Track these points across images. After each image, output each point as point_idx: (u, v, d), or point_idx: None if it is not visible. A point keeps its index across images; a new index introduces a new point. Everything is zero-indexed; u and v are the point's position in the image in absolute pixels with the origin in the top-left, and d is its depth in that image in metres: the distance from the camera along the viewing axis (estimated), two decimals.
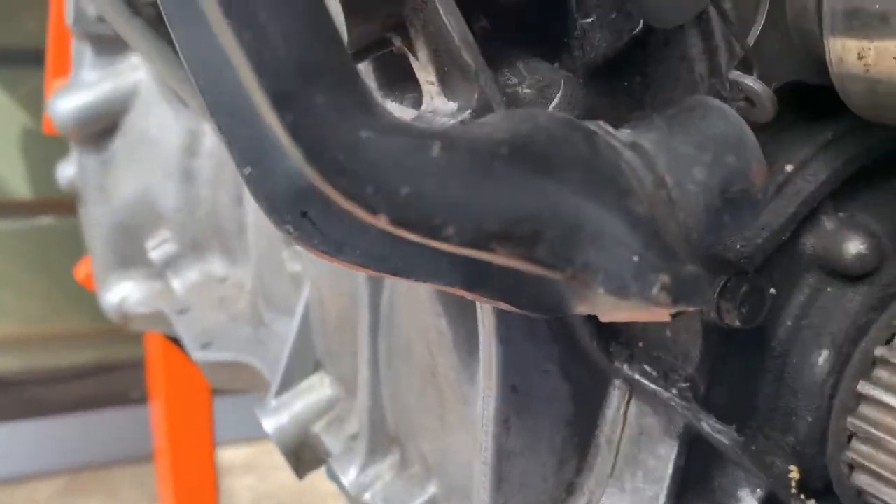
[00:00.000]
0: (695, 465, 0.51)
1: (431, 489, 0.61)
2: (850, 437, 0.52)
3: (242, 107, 0.32)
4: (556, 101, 0.41)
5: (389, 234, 0.31)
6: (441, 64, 0.39)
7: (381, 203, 0.26)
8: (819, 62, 0.45)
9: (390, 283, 0.61)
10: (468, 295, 0.38)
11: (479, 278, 0.36)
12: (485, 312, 0.48)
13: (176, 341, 1.03)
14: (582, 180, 0.29)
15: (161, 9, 0.37)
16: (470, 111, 0.38)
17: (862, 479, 0.52)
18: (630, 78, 0.50)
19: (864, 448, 0.52)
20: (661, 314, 0.32)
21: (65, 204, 1.24)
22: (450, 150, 0.27)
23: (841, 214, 0.52)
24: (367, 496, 0.66)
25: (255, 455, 1.79)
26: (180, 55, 0.36)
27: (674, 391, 0.49)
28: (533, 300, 0.37)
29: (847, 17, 0.40)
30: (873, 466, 0.51)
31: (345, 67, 0.27)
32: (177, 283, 1.05)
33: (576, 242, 0.29)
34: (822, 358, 0.52)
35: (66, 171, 1.08)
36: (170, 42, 0.69)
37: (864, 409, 0.52)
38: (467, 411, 0.54)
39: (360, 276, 0.62)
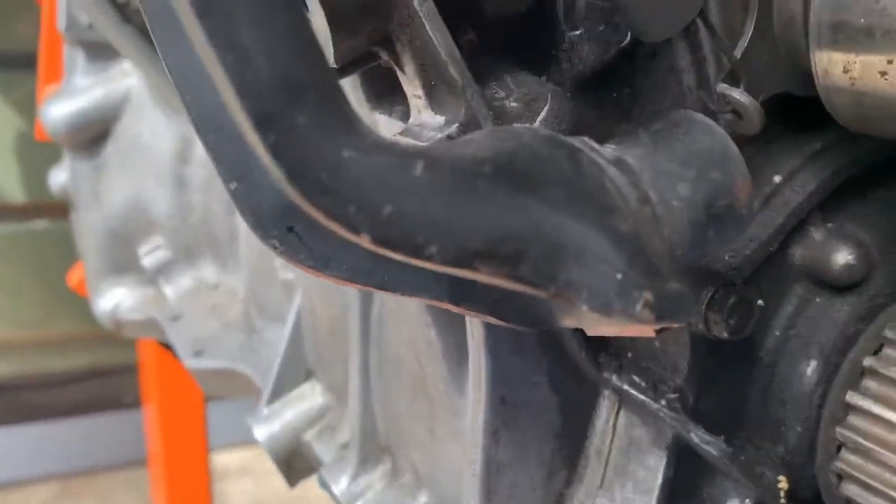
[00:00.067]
0: (684, 476, 0.51)
1: (422, 499, 0.61)
2: (838, 448, 0.52)
3: (228, 123, 0.32)
4: (542, 114, 0.41)
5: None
6: (428, 78, 0.39)
7: (364, 222, 0.26)
8: (806, 74, 0.45)
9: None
10: (455, 309, 0.38)
11: (466, 293, 0.36)
12: (474, 324, 0.48)
13: (169, 347, 1.03)
14: (565, 198, 0.29)
15: (147, 25, 0.37)
16: (457, 125, 0.38)
17: (851, 490, 0.52)
18: (618, 90, 0.50)
19: (853, 458, 0.52)
20: (646, 330, 0.32)
21: (59, 208, 1.23)
22: (433, 169, 0.27)
23: (829, 225, 0.52)
24: None
25: (249, 459, 1.79)
26: (166, 71, 0.36)
27: (663, 402, 0.49)
28: (520, 314, 0.37)
29: (833, 31, 0.40)
30: (862, 477, 0.51)
31: (328, 86, 0.27)
32: (169, 290, 1.05)
33: (559, 260, 0.29)
34: (811, 368, 0.52)
35: (58, 177, 1.08)
36: None
37: (853, 419, 0.52)
38: (457, 422, 0.54)
39: None
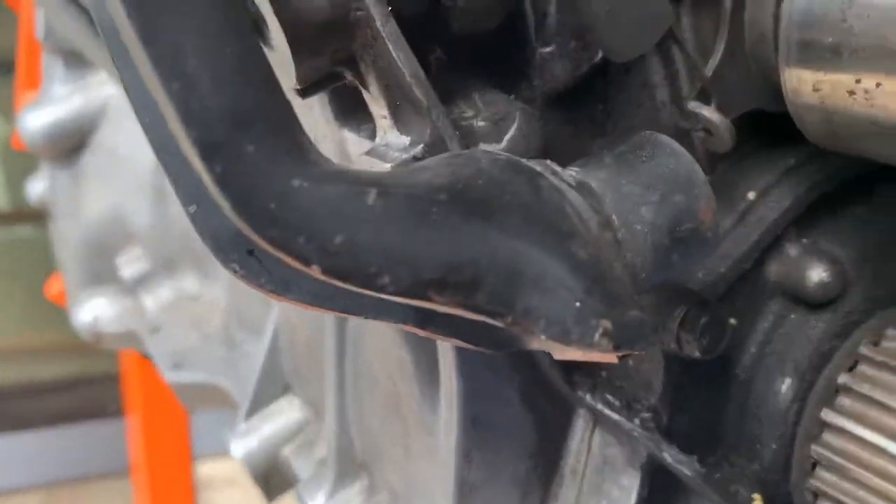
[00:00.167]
0: (659, 495, 0.51)
1: None
2: (814, 465, 0.52)
3: None
4: (510, 133, 0.41)
5: None
6: (393, 98, 0.38)
7: (314, 253, 0.25)
8: (778, 90, 0.45)
9: None
10: (420, 332, 0.37)
11: (431, 316, 0.36)
12: (444, 344, 0.47)
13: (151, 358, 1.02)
14: (523, 225, 0.29)
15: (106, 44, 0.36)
16: (423, 146, 0.38)
17: None
18: (591, 106, 0.49)
19: (828, 476, 0.51)
20: (608, 357, 0.31)
21: (42, 215, 1.22)
22: (386, 197, 0.26)
23: (804, 241, 0.52)
24: None
25: (236, 469, 1.77)
26: (126, 95, 0.35)
27: (636, 421, 0.49)
28: (487, 337, 0.37)
29: (801, 49, 0.40)
30: (837, 494, 0.51)
31: (279, 115, 0.26)
32: (149, 302, 1.04)
33: (516, 288, 0.28)
34: (786, 385, 0.51)
35: (36, 186, 1.07)
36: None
37: (828, 436, 0.51)
38: (431, 441, 0.53)
39: None
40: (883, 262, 0.53)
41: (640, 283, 0.33)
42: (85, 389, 1.90)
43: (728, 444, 0.53)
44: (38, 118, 1.02)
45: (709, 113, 0.44)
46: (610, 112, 0.49)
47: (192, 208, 0.34)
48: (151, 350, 0.98)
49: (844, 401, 0.51)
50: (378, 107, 0.39)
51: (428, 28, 0.41)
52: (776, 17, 0.43)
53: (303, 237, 0.25)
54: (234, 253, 0.34)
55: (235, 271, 0.35)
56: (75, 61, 1.03)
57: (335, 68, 0.38)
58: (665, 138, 0.36)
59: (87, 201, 1.04)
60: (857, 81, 0.38)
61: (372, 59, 0.37)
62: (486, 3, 0.41)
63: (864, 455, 0.49)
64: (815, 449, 0.51)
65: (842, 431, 0.51)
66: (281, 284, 0.35)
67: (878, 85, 0.38)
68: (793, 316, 0.52)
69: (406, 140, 0.38)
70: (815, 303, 0.51)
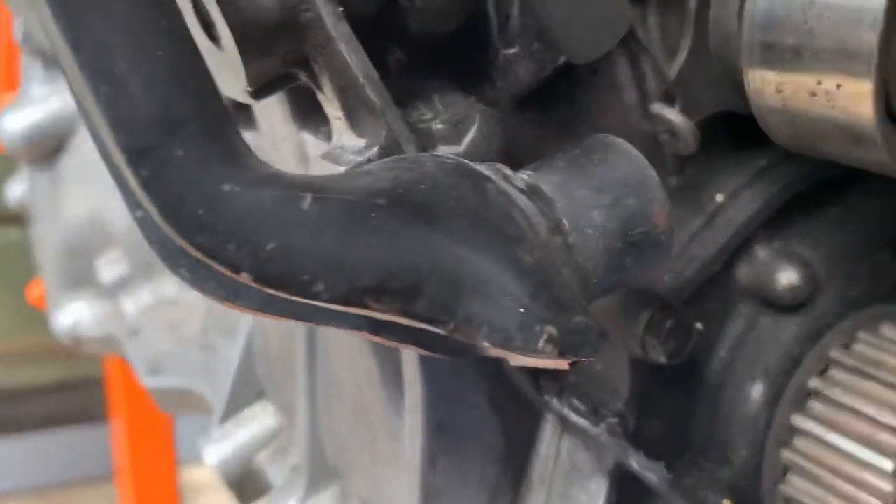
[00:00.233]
0: (628, 501, 0.50)
1: None
2: (785, 471, 0.51)
3: None
4: (470, 135, 0.40)
5: None
6: (347, 100, 0.37)
7: (244, 260, 0.25)
8: (744, 92, 0.44)
9: None
10: (375, 339, 0.37)
11: (385, 322, 0.35)
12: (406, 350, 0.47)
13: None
14: (467, 230, 0.28)
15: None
16: (378, 148, 0.37)
17: None
18: (558, 108, 0.49)
19: (800, 482, 0.51)
20: (557, 363, 0.31)
21: (27, 218, 1.21)
22: (322, 203, 0.26)
23: (775, 243, 0.51)
24: None
25: None
26: (73, 97, 0.35)
27: (603, 426, 0.48)
28: (443, 343, 0.36)
29: (764, 50, 0.40)
30: (809, 501, 0.50)
31: (212, 118, 0.26)
32: (128, 305, 1.03)
33: (458, 295, 0.28)
34: (756, 390, 0.51)
35: (15, 189, 1.06)
36: None
37: (799, 442, 0.51)
38: (397, 447, 0.52)
39: None
40: (856, 263, 0.53)
41: (591, 287, 0.32)
42: (71, 394, 1.89)
43: (698, 449, 0.52)
44: (16, 120, 1.01)
45: (672, 115, 0.44)
46: (577, 114, 0.49)
47: (139, 213, 0.34)
48: (130, 354, 0.97)
49: (815, 405, 0.51)
50: (333, 108, 0.38)
51: (386, 29, 0.41)
52: (741, 18, 0.43)
53: (233, 244, 0.25)
54: (183, 258, 0.34)
55: (184, 277, 0.35)
56: (53, 63, 1.02)
57: (288, 69, 0.37)
58: (619, 141, 0.35)
59: (66, 204, 1.03)
60: (819, 83, 0.38)
61: (325, 61, 0.37)
62: (443, 4, 0.40)
63: (835, 461, 0.49)
64: (787, 454, 0.51)
65: (813, 437, 0.50)
66: (230, 291, 0.35)
67: (838, 86, 0.37)
68: (763, 319, 0.51)
69: (361, 142, 0.38)
70: (785, 306, 0.50)
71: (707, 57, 0.44)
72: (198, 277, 0.35)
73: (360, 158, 0.38)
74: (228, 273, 0.25)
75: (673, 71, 0.44)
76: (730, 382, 0.51)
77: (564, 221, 0.32)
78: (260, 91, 0.37)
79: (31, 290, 1.17)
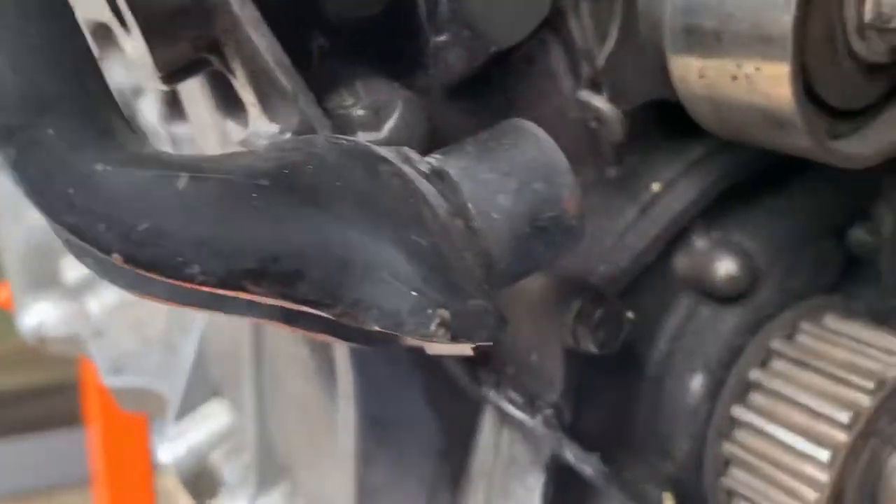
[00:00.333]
0: (568, 496, 0.50)
1: None
2: (727, 464, 0.51)
3: None
4: (392, 122, 0.40)
5: None
6: (260, 85, 0.37)
7: (115, 240, 0.24)
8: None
9: None
10: (289, 329, 0.36)
11: (298, 311, 0.34)
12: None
13: None
14: (356, 212, 0.27)
15: None
16: (291, 134, 0.37)
17: None
18: (494, 97, 0.48)
19: (742, 475, 0.50)
20: (461, 348, 0.30)
21: None
22: (199, 182, 0.25)
23: (714, 234, 0.50)
24: None
25: None
26: None
27: (539, 418, 0.47)
28: (360, 331, 0.35)
29: (686, 35, 0.39)
30: (751, 494, 0.50)
31: (86, 98, 0.25)
32: (94, 305, 1.02)
33: (346, 278, 0.27)
34: (696, 382, 0.50)
35: None
36: None
37: (740, 434, 0.50)
38: (335, 441, 0.52)
39: None
40: (798, 254, 0.52)
41: (499, 273, 0.32)
42: (46, 399, 1.88)
43: (640, 442, 0.51)
44: None
45: (599, 102, 0.43)
46: (513, 102, 0.48)
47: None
48: (93, 354, 0.97)
49: (756, 397, 0.50)
50: (247, 94, 0.38)
51: (306, 14, 0.40)
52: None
53: (103, 224, 0.24)
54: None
55: (90, 266, 0.34)
56: None
57: (200, 55, 0.37)
58: (530, 125, 0.35)
59: (29, 205, 1.02)
60: (739, 67, 0.37)
61: (235, 46, 0.36)
62: None
63: (775, 453, 0.48)
64: (728, 447, 0.50)
65: (753, 429, 0.49)
66: (138, 280, 0.34)
67: (757, 69, 0.37)
68: (703, 310, 0.51)
69: (276, 128, 0.37)
70: (724, 296, 0.50)
71: (637, 45, 0.44)
72: (104, 268, 0.34)
73: None
74: (99, 253, 0.25)
75: (601, 58, 0.44)
76: (670, 374, 0.50)
77: (469, 205, 0.31)
78: (171, 76, 0.37)
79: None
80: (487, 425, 0.51)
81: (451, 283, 0.28)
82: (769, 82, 0.36)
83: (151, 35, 0.34)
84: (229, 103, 0.43)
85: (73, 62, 0.25)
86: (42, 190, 0.24)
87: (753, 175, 0.51)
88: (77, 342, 1.02)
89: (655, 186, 0.48)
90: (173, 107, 0.54)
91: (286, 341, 0.54)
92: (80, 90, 0.25)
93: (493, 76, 0.47)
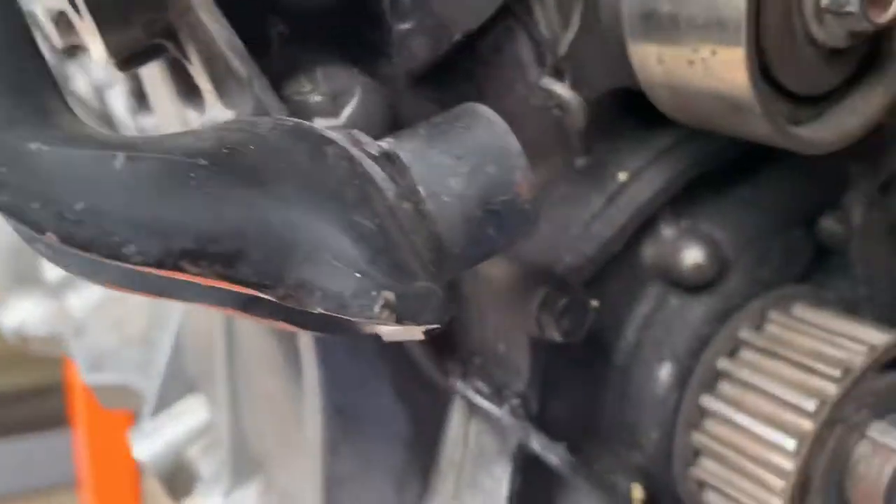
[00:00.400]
0: (536, 486, 0.49)
1: None
2: (696, 454, 0.51)
3: None
4: (350, 108, 0.39)
5: None
6: (215, 71, 0.37)
7: (50, 220, 0.24)
8: None
9: None
10: (245, 316, 0.36)
11: (253, 297, 0.34)
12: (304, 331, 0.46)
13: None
14: (299, 193, 0.27)
15: None
16: None
17: (713, 498, 0.51)
18: (461, 84, 0.48)
19: (711, 465, 0.50)
20: (412, 332, 0.30)
21: None
22: (136, 162, 0.25)
23: (682, 223, 0.50)
24: None
25: None
26: None
27: (506, 408, 0.47)
28: (317, 319, 0.35)
29: (643, 21, 0.39)
30: (721, 485, 0.50)
31: (21, 78, 0.25)
32: (76, 303, 1.02)
33: (288, 260, 0.27)
34: (665, 371, 0.50)
35: None
36: None
37: (709, 424, 0.50)
38: (302, 434, 0.52)
39: None
40: (767, 243, 0.52)
41: (453, 257, 0.32)
42: (32, 401, 1.87)
43: (609, 432, 0.51)
44: None
45: (561, 89, 0.43)
46: (480, 90, 0.48)
47: None
48: (74, 352, 0.96)
49: (725, 387, 0.50)
50: (202, 80, 0.38)
51: (266, 0, 0.40)
52: None
53: (37, 203, 0.24)
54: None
55: (42, 252, 0.34)
56: None
57: (155, 40, 0.37)
58: (484, 109, 0.35)
59: None
60: (695, 51, 0.37)
61: (189, 31, 0.36)
62: None
63: (743, 442, 0.48)
64: (697, 437, 0.50)
65: (722, 418, 0.49)
66: (90, 266, 0.34)
67: (713, 53, 0.37)
68: (672, 300, 0.51)
69: (231, 114, 0.37)
70: (691, 285, 0.50)
71: (599, 32, 0.44)
72: (56, 254, 0.34)
73: None
74: (34, 233, 0.24)
75: (563, 45, 0.44)
76: (638, 364, 0.50)
77: (420, 188, 0.31)
78: (126, 62, 0.37)
79: None
80: (456, 416, 0.51)
81: (397, 266, 0.28)
82: (725, 66, 0.36)
83: (102, 19, 0.34)
84: (188, 90, 0.43)
85: (8, 41, 0.25)
86: None
87: (723, 164, 0.51)
88: (58, 341, 1.02)
89: (622, 176, 0.48)
90: (141, 98, 0.53)
91: (256, 335, 0.54)
92: (15, 69, 0.25)
93: (459, 65, 0.47)
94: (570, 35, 0.43)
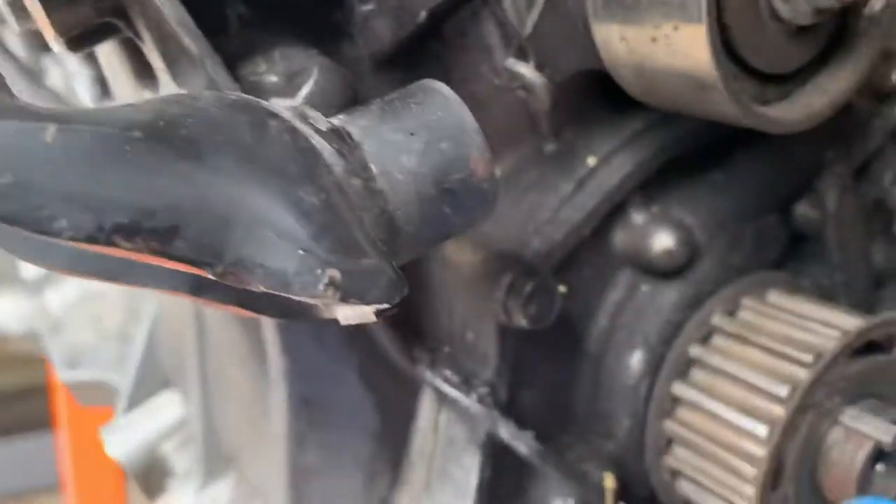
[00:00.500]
0: (507, 476, 0.49)
1: None
2: (669, 442, 0.50)
3: None
4: (307, 89, 0.39)
5: None
6: (168, 50, 0.36)
7: None
8: None
9: None
10: (197, 300, 0.35)
11: (206, 282, 0.33)
12: (267, 320, 0.45)
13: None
14: (239, 167, 0.26)
15: None
16: None
17: (686, 487, 0.50)
18: (427, 67, 0.48)
19: (684, 453, 0.49)
20: (363, 313, 0.29)
21: None
22: (67, 134, 0.24)
23: (653, 208, 0.50)
24: None
25: None
26: None
27: (474, 396, 0.46)
28: (272, 303, 0.34)
29: (606, 0, 0.38)
30: (694, 473, 0.49)
31: None
32: (54, 300, 1.01)
33: (227, 236, 0.26)
34: (636, 359, 0.49)
35: None
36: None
37: (682, 412, 0.49)
38: (269, 425, 0.51)
39: None
40: (739, 228, 0.51)
41: (409, 236, 0.31)
42: (15, 403, 1.85)
43: (581, 421, 0.51)
44: None
45: (525, 70, 0.42)
46: (449, 75, 0.48)
47: None
48: (50, 349, 0.95)
49: (697, 373, 0.49)
50: (155, 60, 0.37)
51: None
52: None
53: None
54: None
55: None
56: None
57: (105, 19, 0.36)
58: (439, 85, 0.34)
59: None
60: (657, 28, 0.37)
61: (140, 9, 0.35)
62: None
63: (716, 430, 0.47)
64: (669, 425, 0.49)
65: (694, 406, 0.49)
66: (35, 249, 0.33)
67: (675, 29, 0.36)
68: (643, 286, 0.50)
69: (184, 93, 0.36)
70: (662, 271, 0.49)
71: (564, 13, 0.43)
72: (2, 239, 0.33)
73: None
74: None
75: (527, 26, 0.43)
76: (609, 351, 0.50)
77: (371, 165, 0.30)
78: (76, 41, 0.36)
79: None
80: (426, 406, 0.50)
81: (343, 242, 0.27)
82: (687, 42, 0.36)
83: None
84: (142, 70, 0.42)
85: None
86: None
87: (695, 149, 0.50)
88: (35, 338, 1.01)
89: (591, 160, 0.48)
90: (104, 85, 0.52)
91: (224, 326, 0.53)
92: None
93: (426, 47, 0.47)
94: (534, 15, 0.42)
